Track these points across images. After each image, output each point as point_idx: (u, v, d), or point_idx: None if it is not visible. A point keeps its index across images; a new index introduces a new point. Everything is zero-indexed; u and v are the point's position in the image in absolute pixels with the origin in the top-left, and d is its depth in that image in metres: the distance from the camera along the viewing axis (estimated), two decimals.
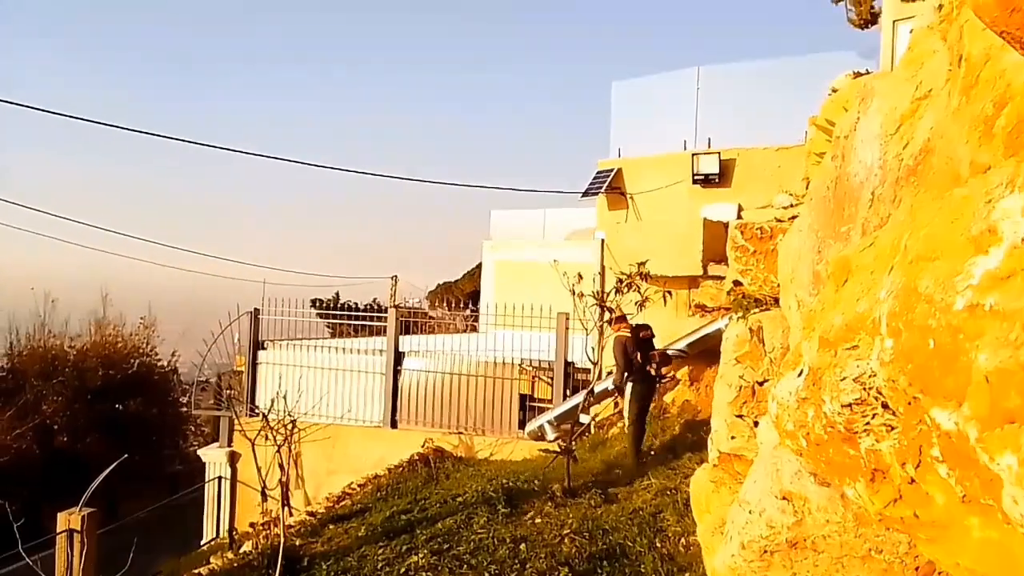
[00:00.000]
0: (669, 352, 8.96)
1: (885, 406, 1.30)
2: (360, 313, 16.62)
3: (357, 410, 11.93)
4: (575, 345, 10.12)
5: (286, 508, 6.77)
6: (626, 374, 7.71)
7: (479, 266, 20.11)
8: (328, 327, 16.08)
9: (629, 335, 7.76)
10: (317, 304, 16.95)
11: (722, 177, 11.77)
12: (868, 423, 1.35)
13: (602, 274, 10.64)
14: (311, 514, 8.20)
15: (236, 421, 10.50)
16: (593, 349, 8.04)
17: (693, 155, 11.93)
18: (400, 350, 12.05)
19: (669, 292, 8.97)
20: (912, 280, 1.19)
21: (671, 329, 9.51)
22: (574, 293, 7.56)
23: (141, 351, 19.90)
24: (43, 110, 8.23)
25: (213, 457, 12.97)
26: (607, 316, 7.85)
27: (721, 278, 8.53)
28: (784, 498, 2.09)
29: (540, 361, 11.15)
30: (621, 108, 13.65)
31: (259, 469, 6.35)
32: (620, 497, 6.80)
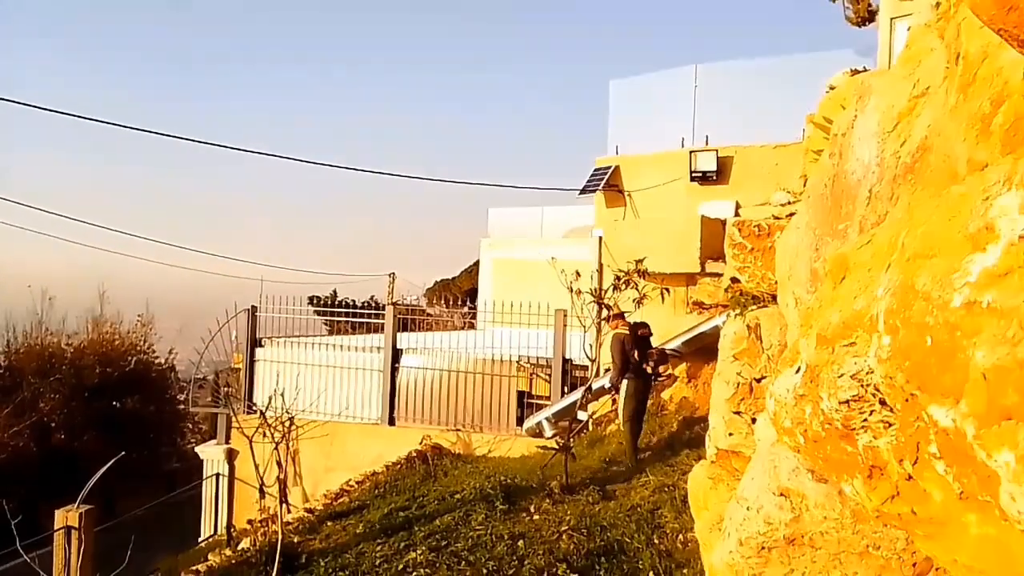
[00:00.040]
0: (667, 350, 8.98)
1: (883, 403, 1.30)
2: (358, 310, 16.62)
3: (355, 407, 11.93)
4: (573, 342, 10.12)
5: (284, 505, 6.78)
6: (623, 372, 7.73)
7: (477, 263, 20.13)
8: (326, 324, 16.10)
9: (627, 333, 7.77)
10: (315, 301, 16.99)
11: (720, 174, 11.77)
12: (866, 420, 1.36)
13: (600, 271, 10.65)
14: (309, 511, 8.20)
15: (234, 418, 10.52)
16: (591, 346, 8.04)
17: (691, 152, 11.92)
18: (398, 347, 12.05)
19: (667, 289, 8.97)
20: (909, 277, 1.19)
21: (669, 326, 9.53)
22: (572, 290, 7.56)
23: (139, 349, 19.89)
24: (50, 110, 8.19)
25: (211, 454, 12.96)
26: (605, 313, 7.86)
27: (719, 275, 8.55)
28: (782, 494, 2.10)
29: (538, 358, 11.16)
30: (619, 106, 13.63)
31: (257, 466, 6.36)
32: (618, 494, 6.82)
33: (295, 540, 6.71)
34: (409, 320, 13.51)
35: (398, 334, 12.16)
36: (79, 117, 8.49)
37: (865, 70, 5.95)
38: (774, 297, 3.62)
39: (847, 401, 1.38)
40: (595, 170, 13.03)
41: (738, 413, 3.61)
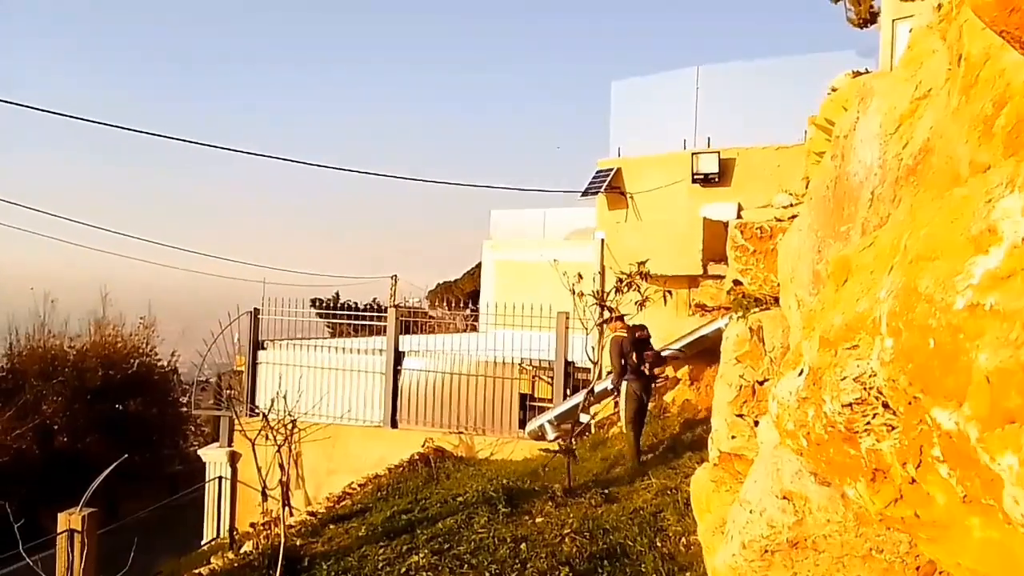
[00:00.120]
0: (664, 353, 8.96)
1: (886, 406, 1.30)
2: (360, 313, 16.62)
3: (357, 410, 11.93)
4: (575, 344, 10.12)
5: (286, 508, 6.78)
6: (622, 374, 7.72)
7: (479, 266, 20.13)
8: (328, 327, 16.10)
9: (624, 335, 7.77)
10: (317, 304, 16.97)
11: (722, 176, 11.77)
12: (869, 423, 1.35)
13: (602, 274, 10.64)
14: (311, 514, 8.21)
15: (236, 421, 10.50)
16: (593, 348, 8.05)
17: (693, 154, 11.93)
18: (400, 350, 12.06)
19: (669, 292, 8.98)
20: (912, 280, 1.19)
21: (671, 329, 9.51)
22: (574, 293, 7.57)
23: (141, 351, 19.90)
24: (42, 109, 8.23)
25: (213, 457, 12.97)
26: (604, 316, 7.86)
27: (721, 277, 8.53)
28: (785, 498, 2.09)
29: (540, 361, 11.15)
30: (621, 108, 13.65)
31: (259, 469, 6.36)
32: (620, 496, 6.80)
33: (297, 543, 6.71)
34: (411, 322, 13.53)
35: (400, 336, 12.17)
36: (71, 117, 8.51)
37: (867, 72, 5.95)
38: (776, 299, 3.62)
39: (850, 404, 1.38)
40: (597, 172, 13.04)
41: (741, 416, 3.61)
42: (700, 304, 10.18)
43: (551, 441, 9.64)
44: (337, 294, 25.06)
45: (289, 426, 6.23)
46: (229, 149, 15.91)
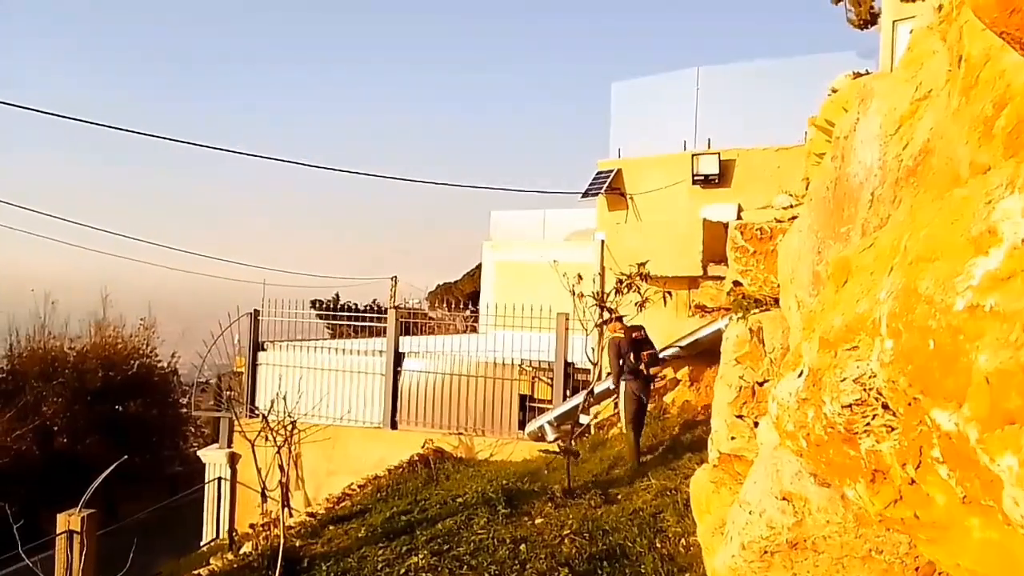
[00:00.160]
0: (661, 354, 8.96)
1: (885, 407, 1.30)
2: (360, 314, 16.63)
3: (357, 411, 11.92)
4: (575, 345, 10.12)
5: (286, 509, 6.77)
6: (620, 375, 7.72)
7: (479, 267, 20.13)
8: (328, 328, 16.09)
9: (622, 336, 7.77)
10: (317, 305, 17.00)
11: (722, 177, 11.78)
12: (868, 424, 1.35)
13: (602, 275, 10.63)
14: (311, 515, 8.20)
15: (236, 422, 10.50)
16: (593, 349, 8.05)
17: (693, 155, 11.93)
18: (400, 351, 12.05)
19: (669, 292, 8.98)
20: (912, 281, 1.19)
21: (671, 329, 9.51)
22: (574, 293, 7.58)
23: (141, 352, 19.90)
24: (36, 110, 8.22)
25: (213, 458, 12.96)
26: (604, 316, 7.86)
27: (721, 278, 8.53)
28: (784, 499, 2.09)
29: (540, 362, 11.15)
30: (621, 108, 13.66)
31: (259, 470, 6.35)
32: (620, 497, 6.80)
33: (297, 544, 6.71)
34: (411, 323, 13.52)
35: (400, 338, 12.16)
36: (71, 119, 8.46)
37: (867, 73, 5.96)
38: (776, 300, 3.62)
39: (850, 405, 1.38)
40: (597, 173, 13.05)
41: (740, 417, 3.61)
42: (700, 305, 10.17)
43: (551, 442, 9.63)
44: (337, 295, 25.12)
45: (289, 427, 6.23)
46: (229, 150, 15.93)
